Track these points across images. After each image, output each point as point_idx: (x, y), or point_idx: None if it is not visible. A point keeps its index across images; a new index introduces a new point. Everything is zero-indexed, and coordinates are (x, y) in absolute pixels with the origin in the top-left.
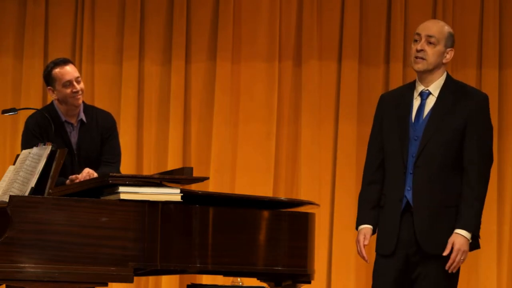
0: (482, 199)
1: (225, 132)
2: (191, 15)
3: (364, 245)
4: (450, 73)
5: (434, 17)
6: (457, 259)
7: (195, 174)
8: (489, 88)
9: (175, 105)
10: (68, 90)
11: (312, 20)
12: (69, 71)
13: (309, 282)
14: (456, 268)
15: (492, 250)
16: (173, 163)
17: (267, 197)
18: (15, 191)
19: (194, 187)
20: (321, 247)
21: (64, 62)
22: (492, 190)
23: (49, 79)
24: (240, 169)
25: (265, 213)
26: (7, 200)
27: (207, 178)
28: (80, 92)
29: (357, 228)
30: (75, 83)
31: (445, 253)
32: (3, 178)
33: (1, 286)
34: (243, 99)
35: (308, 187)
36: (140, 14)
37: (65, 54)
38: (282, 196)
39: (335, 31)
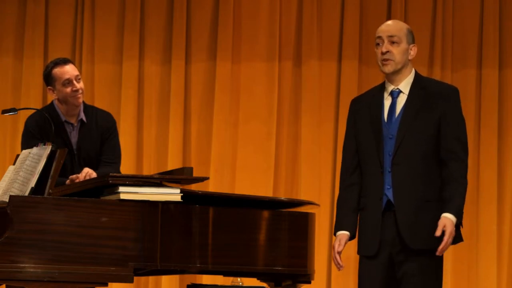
0: (465, 190)
1: (225, 132)
2: (191, 15)
3: (338, 252)
4: (450, 73)
5: (434, 17)
6: (448, 242)
7: (195, 174)
8: (489, 88)
9: (175, 105)
10: (68, 89)
11: (312, 20)
12: (69, 70)
13: (309, 282)
14: (445, 251)
15: (492, 250)
16: (173, 163)
17: (267, 197)
18: (15, 191)
19: (194, 187)
20: (321, 247)
21: (64, 61)
22: (492, 190)
23: (49, 79)
24: (240, 169)
25: (265, 213)
26: (7, 200)
27: (207, 178)
28: (80, 91)
29: (335, 234)
30: (75, 82)
31: (437, 234)
32: (3, 178)
33: (1, 286)
34: (243, 99)
35: (308, 187)
36: (140, 14)
37: (65, 54)
38: (282, 196)
39: (335, 31)
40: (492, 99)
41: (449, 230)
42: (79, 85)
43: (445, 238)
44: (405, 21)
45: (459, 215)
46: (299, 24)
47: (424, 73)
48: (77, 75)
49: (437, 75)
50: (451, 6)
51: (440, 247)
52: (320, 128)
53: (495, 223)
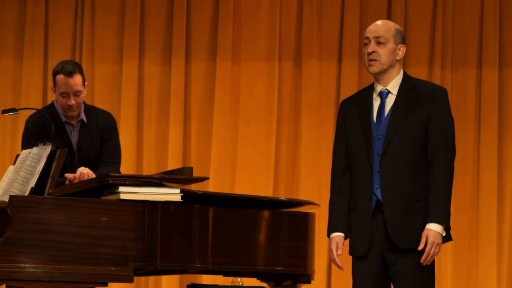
0: (448, 190)
1: (225, 132)
2: (191, 15)
3: (338, 255)
4: (450, 73)
5: (434, 17)
6: (431, 253)
7: (195, 174)
8: (489, 88)
9: (175, 105)
10: (64, 101)
11: (312, 20)
12: (70, 84)
13: (309, 282)
14: (430, 261)
15: (492, 250)
16: (173, 163)
17: (267, 197)
18: (15, 191)
19: (194, 187)
20: (321, 247)
21: (69, 73)
22: (492, 190)
23: (53, 79)
24: (240, 169)
25: (265, 213)
26: (7, 200)
27: (207, 178)
28: (73, 107)
29: (328, 235)
30: (71, 97)
31: (419, 248)
32: (3, 178)
33: (1, 286)
34: (243, 99)
35: (308, 187)
36: (140, 14)
37: (65, 54)
38: (282, 196)
39: (335, 31)
40: (492, 99)
41: (431, 240)
42: (76, 100)
43: (427, 248)
44: (405, 21)
45: (444, 220)
46: (299, 24)
47: (424, 73)
48: (77, 91)
49: (437, 75)
50: (451, 6)
51: (423, 257)
52: (320, 128)
53: (495, 223)
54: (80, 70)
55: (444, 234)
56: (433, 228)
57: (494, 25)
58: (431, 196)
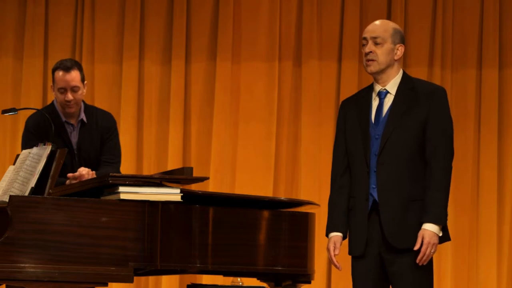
0: (446, 190)
1: (225, 132)
2: (191, 15)
3: (335, 254)
4: (450, 73)
5: (434, 17)
6: (427, 253)
7: (195, 174)
8: (489, 88)
9: (175, 105)
10: (61, 97)
11: (312, 20)
12: (67, 79)
13: (309, 282)
14: (427, 261)
15: (492, 250)
16: (173, 163)
17: (267, 197)
18: (15, 191)
19: (194, 187)
20: (321, 247)
21: (67, 68)
22: (492, 191)
23: (52, 76)
24: (240, 169)
25: (265, 213)
26: (7, 200)
27: (207, 178)
28: (71, 103)
29: (327, 235)
30: (68, 93)
31: (415, 248)
32: (3, 178)
33: (1, 286)
34: (243, 99)
35: (308, 187)
36: (140, 14)
37: (65, 54)
38: (282, 196)
39: (335, 31)
40: (492, 99)
41: (427, 240)
42: (73, 96)
43: (423, 248)
44: (405, 21)
45: (441, 220)
46: (299, 24)
47: (424, 73)
48: (74, 86)
49: (437, 75)
50: (451, 6)
51: (419, 257)
52: (320, 128)
53: (495, 223)
54: (79, 67)
55: (440, 234)
56: (429, 228)
57: (494, 25)
58: (428, 196)
